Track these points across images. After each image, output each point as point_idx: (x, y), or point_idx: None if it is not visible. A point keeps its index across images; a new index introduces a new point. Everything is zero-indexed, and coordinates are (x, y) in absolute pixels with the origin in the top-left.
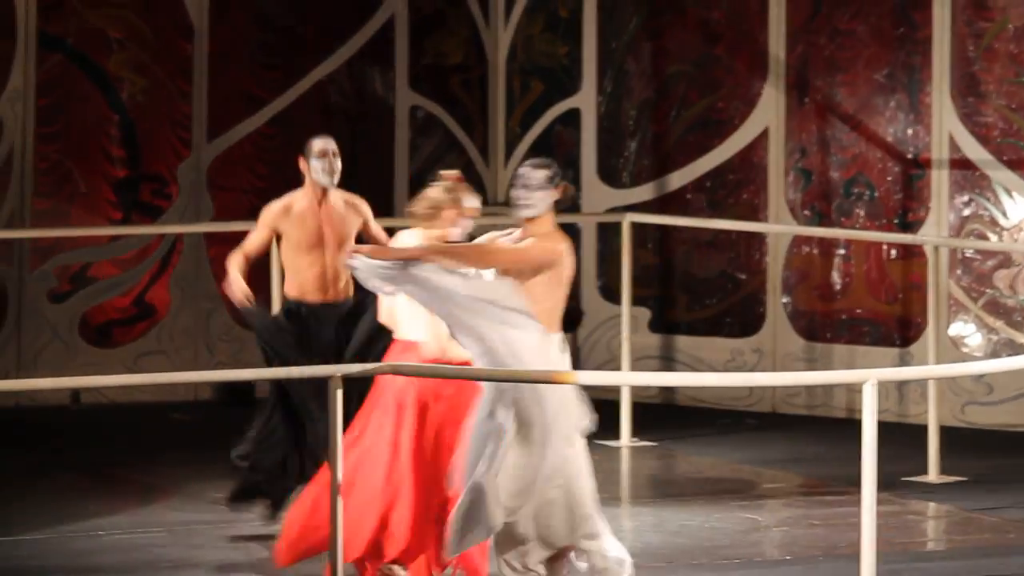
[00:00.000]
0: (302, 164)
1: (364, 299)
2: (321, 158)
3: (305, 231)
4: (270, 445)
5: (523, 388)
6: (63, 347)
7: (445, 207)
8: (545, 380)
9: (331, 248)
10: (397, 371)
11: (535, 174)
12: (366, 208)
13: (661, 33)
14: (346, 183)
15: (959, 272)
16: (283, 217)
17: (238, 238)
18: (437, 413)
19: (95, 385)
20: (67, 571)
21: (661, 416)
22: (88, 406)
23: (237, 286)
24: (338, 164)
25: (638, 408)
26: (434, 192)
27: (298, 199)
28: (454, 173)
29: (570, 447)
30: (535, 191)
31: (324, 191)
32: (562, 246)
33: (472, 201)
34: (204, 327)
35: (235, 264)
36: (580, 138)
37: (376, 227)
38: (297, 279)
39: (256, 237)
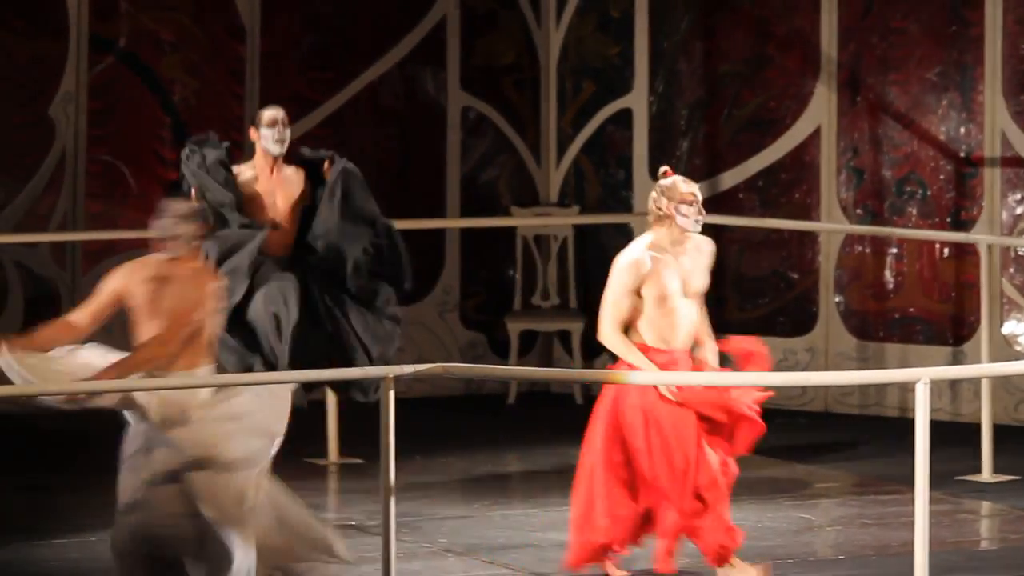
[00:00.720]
0: (252, 134)
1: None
2: (271, 127)
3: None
4: None
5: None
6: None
7: (664, 208)
8: (602, 379)
9: (282, 216)
10: (448, 371)
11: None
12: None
13: (713, 32)
14: (398, 184)
15: (1012, 270)
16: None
17: None
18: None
19: (147, 388)
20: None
21: None
22: None
23: None
24: (287, 133)
25: None
26: (652, 196)
27: (245, 170)
28: (664, 169)
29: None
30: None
31: (275, 160)
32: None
33: (689, 186)
34: None
35: None
36: (632, 138)
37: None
38: None
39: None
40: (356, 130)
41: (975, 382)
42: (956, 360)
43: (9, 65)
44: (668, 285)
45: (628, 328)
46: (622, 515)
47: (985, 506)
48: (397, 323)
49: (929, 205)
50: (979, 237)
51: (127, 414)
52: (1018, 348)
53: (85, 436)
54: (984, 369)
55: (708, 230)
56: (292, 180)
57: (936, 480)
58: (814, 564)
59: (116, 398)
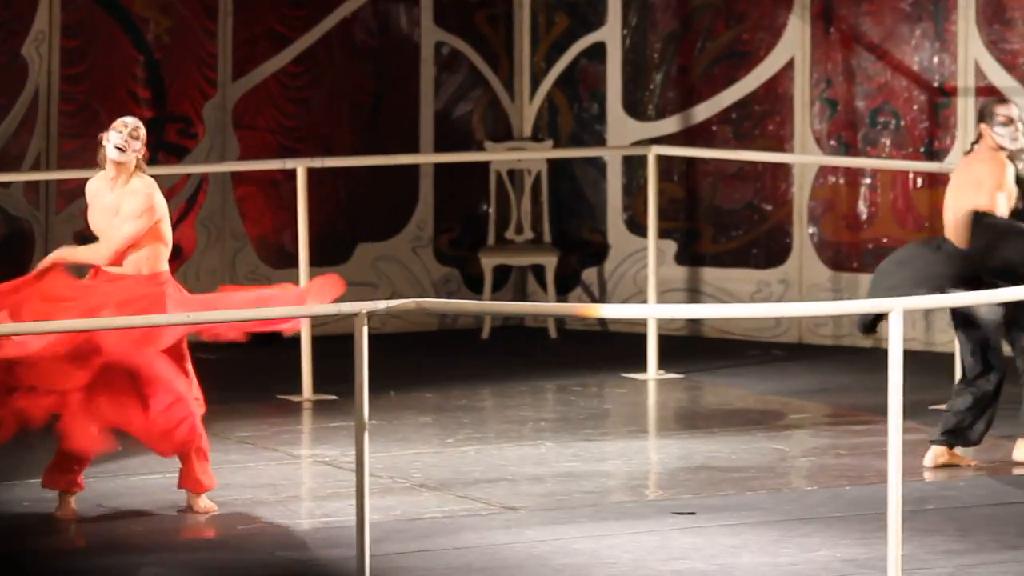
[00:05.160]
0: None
1: None
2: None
3: None
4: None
5: None
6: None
7: None
8: (576, 313)
9: None
10: (422, 307)
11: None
12: None
13: None
14: (372, 120)
15: None
16: None
17: (264, 177)
18: None
19: (120, 326)
20: (88, 515)
21: (688, 348)
22: None
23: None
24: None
25: (664, 340)
26: None
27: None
28: None
29: None
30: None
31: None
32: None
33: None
34: (230, 267)
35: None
36: (605, 72)
37: None
38: None
39: None
40: (329, 66)
41: (948, 312)
42: None
43: None
44: None
45: None
46: None
47: None
48: None
49: (902, 135)
50: (952, 167)
51: None
52: None
53: None
54: (957, 299)
55: (682, 162)
56: None
57: (910, 410)
58: (788, 495)
59: None
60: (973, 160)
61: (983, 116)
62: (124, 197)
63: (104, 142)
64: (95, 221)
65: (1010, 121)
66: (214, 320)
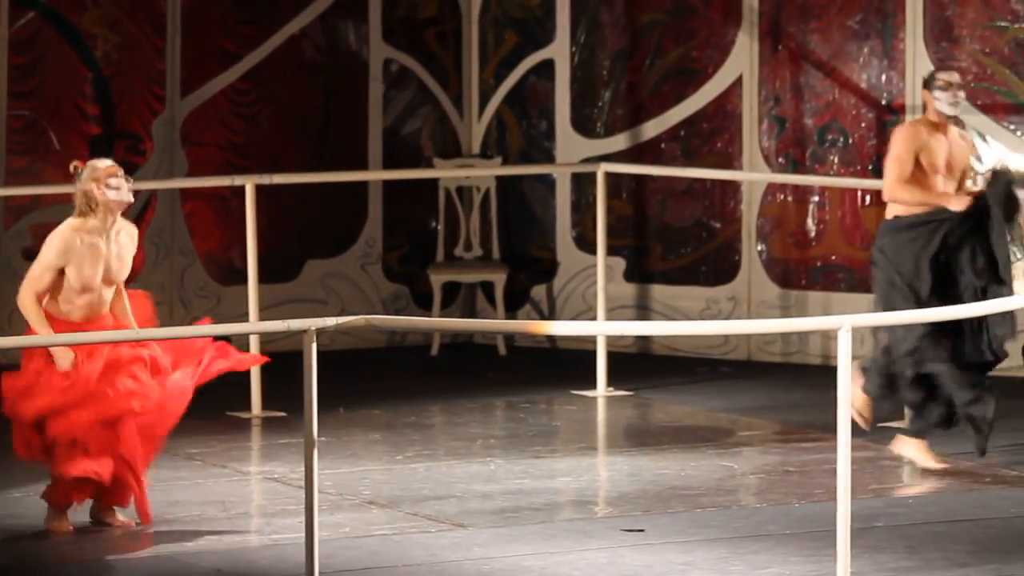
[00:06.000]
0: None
1: None
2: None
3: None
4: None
5: None
6: None
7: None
8: (524, 330)
9: None
10: (371, 324)
11: None
12: None
13: None
14: (320, 136)
15: None
16: None
17: (212, 194)
18: None
19: (72, 342)
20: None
21: (637, 365)
22: None
23: None
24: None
25: (613, 357)
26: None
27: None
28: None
29: None
30: None
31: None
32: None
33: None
34: (179, 283)
35: None
36: (554, 89)
37: None
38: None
39: None
40: (278, 83)
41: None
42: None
43: None
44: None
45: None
46: None
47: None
48: None
49: (851, 153)
50: None
51: None
52: None
53: None
54: (904, 316)
55: (631, 179)
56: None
57: (858, 428)
58: (738, 512)
59: None
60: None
61: (925, 83)
62: (129, 243)
63: (100, 189)
64: (106, 271)
65: (949, 86)
66: (162, 336)
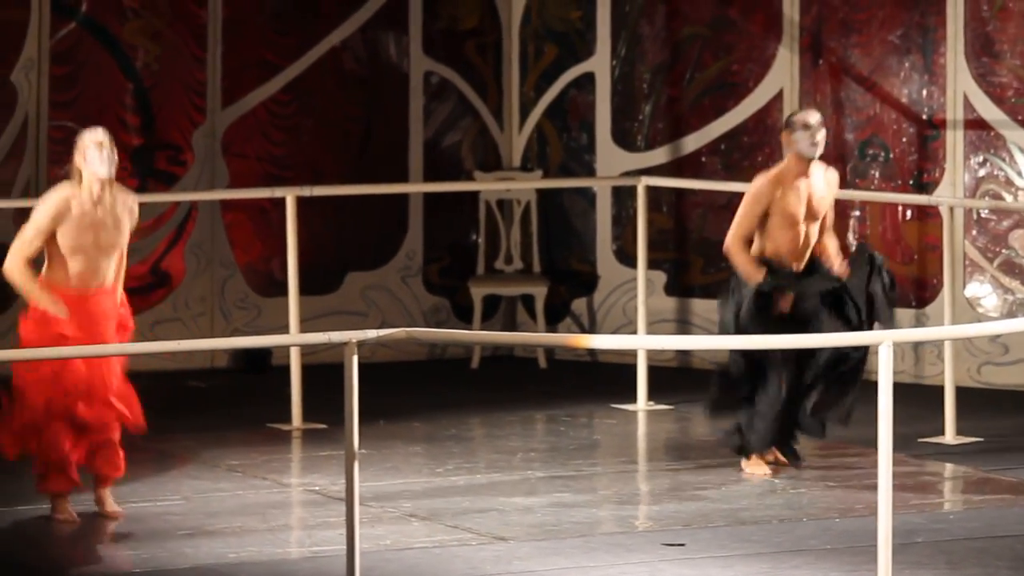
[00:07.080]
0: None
1: None
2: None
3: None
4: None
5: None
6: None
7: None
8: (564, 343)
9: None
10: (412, 336)
11: None
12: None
13: None
14: (361, 148)
15: (974, 232)
16: None
17: (253, 205)
18: None
19: (108, 354)
20: (82, 540)
21: (677, 379)
22: None
23: None
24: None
25: (654, 372)
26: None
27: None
28: None
29: None
30: None
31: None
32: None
33: None
34: (219, 294)
35: None
36: (594, 102)
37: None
38: None
39: None
40: (319, 95)
41: (938, 344)
42: (919, 322)
43: None
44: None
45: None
46: None
47: (948, 468)
48: None
49: (891, 168)
50: (941, 199)
51: None
52: (981, 310)
53: None
54: (947, 331)
55: (672, 193)
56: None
57: (899, 442)
58: (778, 527)
59: None
60: None
61: (785, 124)
62: (124, 212)
63: (81, 158)
64: (98, 237)
65: (807, 127)
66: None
